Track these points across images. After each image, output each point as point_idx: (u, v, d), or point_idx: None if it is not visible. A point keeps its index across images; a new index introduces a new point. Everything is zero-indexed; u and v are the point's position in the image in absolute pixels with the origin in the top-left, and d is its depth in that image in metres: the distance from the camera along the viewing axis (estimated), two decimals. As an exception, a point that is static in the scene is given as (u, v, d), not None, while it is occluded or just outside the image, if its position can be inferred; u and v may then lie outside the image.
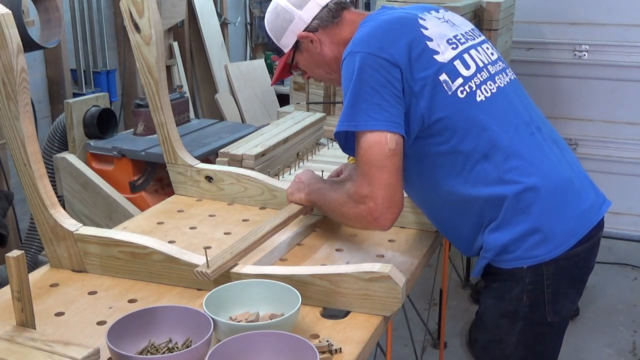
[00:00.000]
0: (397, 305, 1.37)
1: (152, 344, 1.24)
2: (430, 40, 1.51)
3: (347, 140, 1.51)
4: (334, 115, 2.95)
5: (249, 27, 5.01)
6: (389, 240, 1.72)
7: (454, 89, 1.48)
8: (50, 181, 1.64)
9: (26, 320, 1.17)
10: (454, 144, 1.48)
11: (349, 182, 1.57)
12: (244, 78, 4.65)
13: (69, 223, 1.53)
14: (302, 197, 1.72)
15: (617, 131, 4.16)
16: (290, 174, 2.15)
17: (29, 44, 2.36)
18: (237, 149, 2.08)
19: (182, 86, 3.94)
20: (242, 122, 4.45)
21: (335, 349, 1.24)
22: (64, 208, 1.77)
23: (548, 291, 1.53)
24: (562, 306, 1.57)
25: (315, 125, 2.44)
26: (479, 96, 1.51)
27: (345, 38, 1.57)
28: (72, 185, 2.55)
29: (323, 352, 1.22)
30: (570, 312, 1.64)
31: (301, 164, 2.26)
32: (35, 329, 1.18)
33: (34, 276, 1.53)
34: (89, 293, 1.47)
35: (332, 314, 1.39)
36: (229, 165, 2.03)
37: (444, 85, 1.48)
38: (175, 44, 4.18)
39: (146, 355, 1.21)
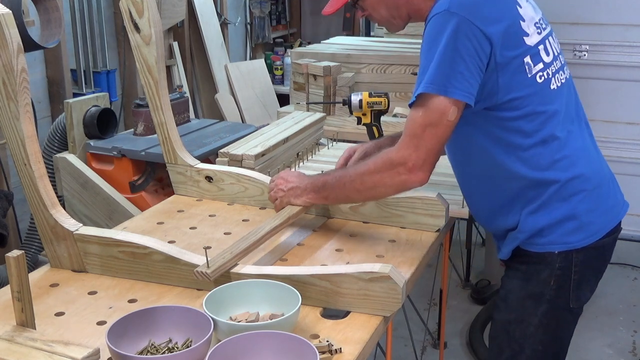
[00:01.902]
0: (397, 306, 1.37)
1: (152, 344, 1.24)
2: (523, 20, 1.52)
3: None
4: (334, 115, 2.95)
5: (249, 27, 5.01)
6: (389, 240, 1.72)
7: (534, 72, 1.51)
8: (50, 181, 1.64)
9: (26, 320, 1.17)
10: (520, 124, 1.51)
11: (381, 152, 1.58)
12: (244, 78, 4.65)
13: (69, 223, 1.53)
14: (308, 200, 1.70)
15: (617, 131, 4.16)
16: (290, 174, 2.15)
17: (29, 44, 2.36)
18: (237, 149, 2.08)
19: (182, 86, 3.94)
20: (242, 122, 4.44)
21: (335, 349, 1.24)
22: (64, 208, 1.77)
23: (574, 278, 1.58)
24: (583, 294, 1.62)
25: (315, 125, 2.44)
26: (553, 84, 1.55)
27: None
28: (72, 185, 2.55)
29: (323, 352, 1.22)
30: (587, 301, 1.67)
31: (301, 164, 2.26)
32: (35, 329, 1.18)
33: (34, 276, 1.53)
34: (89, 293, 1.47)
35: (332, 314, 1.39)
36: (229, 165, 2.03)
37: (526, 67, 1.50)
38: (175, 44, 4.18)
39: (146, 355, 1.21)
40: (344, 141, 2.61)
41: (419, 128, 1.47)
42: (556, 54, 1.60)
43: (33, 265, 2.51)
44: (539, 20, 1.59)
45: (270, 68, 4.99)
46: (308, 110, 2.79)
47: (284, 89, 4.81)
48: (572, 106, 1.61)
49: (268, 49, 5.23)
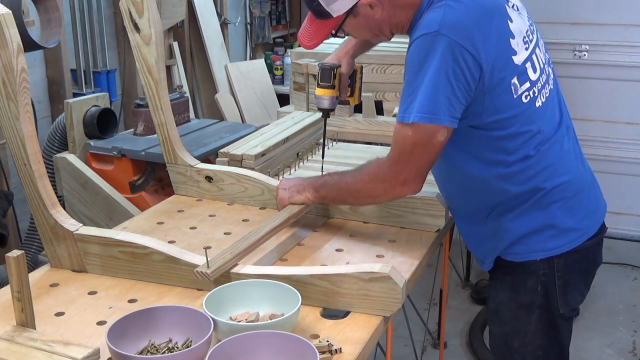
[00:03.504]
0: (397, 306, 1.37)
1: (152, 344, 1.24)
2: (513, 37, 1.49)
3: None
4: (334, 115, 2.94)
5: (249, 27, 5.00)
6: (389, 240, 1.72)
7: (520, 92, 1.48)
8: (50, 181, 1.64)
9: (26, 320, 1.17)
10: (504, 143, 1.50)
11: (372, 161, 1.60)
12: (244, 78, 4.65)
13: (69, 223, 1.53)
14: (308, 197, 1.71)
15: (617, 131, 4.16)
16: (290, 174, 2.15)
17: (29, 44, 2.36)
18: (237, 149, 2.08)
19: (182, 86, 3.93)
20: (242, 122, 4.44)
21: (335, 349, 1.24)
22: (64, 208, 1.77)
23: (559, 283, 1.57)
24: (571, 298, 1.61)
25: (315, 125, 2.44)
26: (538, 102, 1.52)
27: (407, 3, 1.52)
28: (72, 185, 2.55)
29: (323, 352, 1.22)
30: (579, 304, 1.67)
31: (301, 164, 2.26)
32: (35, 329, 1.18)
33: (34, 276, 1.53)
34: (89, 293, 1.47)
35: (332, 314, 1.39)
36: (229, 165, 2.03)
37: (512, 87, 1.47)
38: (175, 44, 4.17)
39: (146, 355, 1.21)
40: (344, 141, 2.61)
41: (408, 146, 1.47)
42: (542, 65, 1.56)
43: (33, 265, 2.51)
44: (527, 31, 1.54)
45: (270, 68, 4.99)
46: (308, 110, 2.79)
47: (284, 89, 4.81)
48: (556, 116, 1.58)
49: (268, 49, 5.22)
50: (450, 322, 3.26)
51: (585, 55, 4.14)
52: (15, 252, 1.13)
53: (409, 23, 1.54)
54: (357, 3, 1.51)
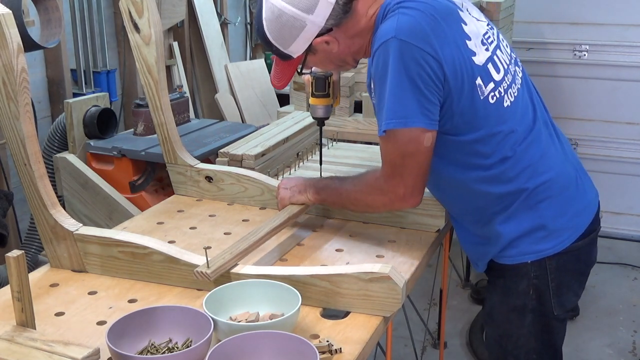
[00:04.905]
0: (397, 306, 1.37)
1: (152, 344, 1.24)
2: (469, 39, 1.49)
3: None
4: (334, 115, 2.94)
5: (249, 27, 5.00)
6: (389, 241, 1.72)
7: (486, 93, 1.48)
8: (50, 181, 1.64)
9: (26, 320, 1.17)
10: (477, 146, 1.50)
11: (371, 172, 1.60)
12: (244, 78, 4.64)
13: (69, 223, 1.53)
14: (309, 198, 1.72)
15: (617, 131, 4.16)
16: (290, 174, 2.15)
17: (29, 44, 2.36)
18: (237, 149, 2.08)
19: (182, 86, 3.93)
20: (242, 122, 4.44)
21: (335, 349, 1.24)
22: (64, 208, 1.77)
23: (552, 285, 1.57)
24: (566, 299, 1.60)
25: (315, 126, 2.44)
26: (506, 102, 1.52)
27: (361, 29, 1.53)
28: (72, 185, 2.55)
29: (323, 352, 1.22)
30: (573, 305, 1.67)
31: (301, 164, 2.26)
32: (35, 329, 1.18)
33: (34, 276, 1.53)
34: (89, 293, 1.47)
35: (332, 314, 1.39)
36: (229, 165, 2.03)
37: (478, 89, 1.47)
38: (175, 44, 4.17)
39: (146, 355, 1.21)
40: (344, 141, 2.61)
41: (397, 159, 1.47)
42: (506, 66, 1.56)
43: (33, 265, 2.51)
44: (485, 33, 1.54)
45: (270, 68, 4.99)
46: (308, 110, 2.79)
47: (284, 88, 4.81)
48: (529, 115, 1.57)
49: (268, 49, 5.23)
50: (450, 322, 3.26)
51: (585, 55, 4.14)
52: (15, 252, 1.13)
53: (370, 46, 1.54)
54: (312, 43, 1.53)
